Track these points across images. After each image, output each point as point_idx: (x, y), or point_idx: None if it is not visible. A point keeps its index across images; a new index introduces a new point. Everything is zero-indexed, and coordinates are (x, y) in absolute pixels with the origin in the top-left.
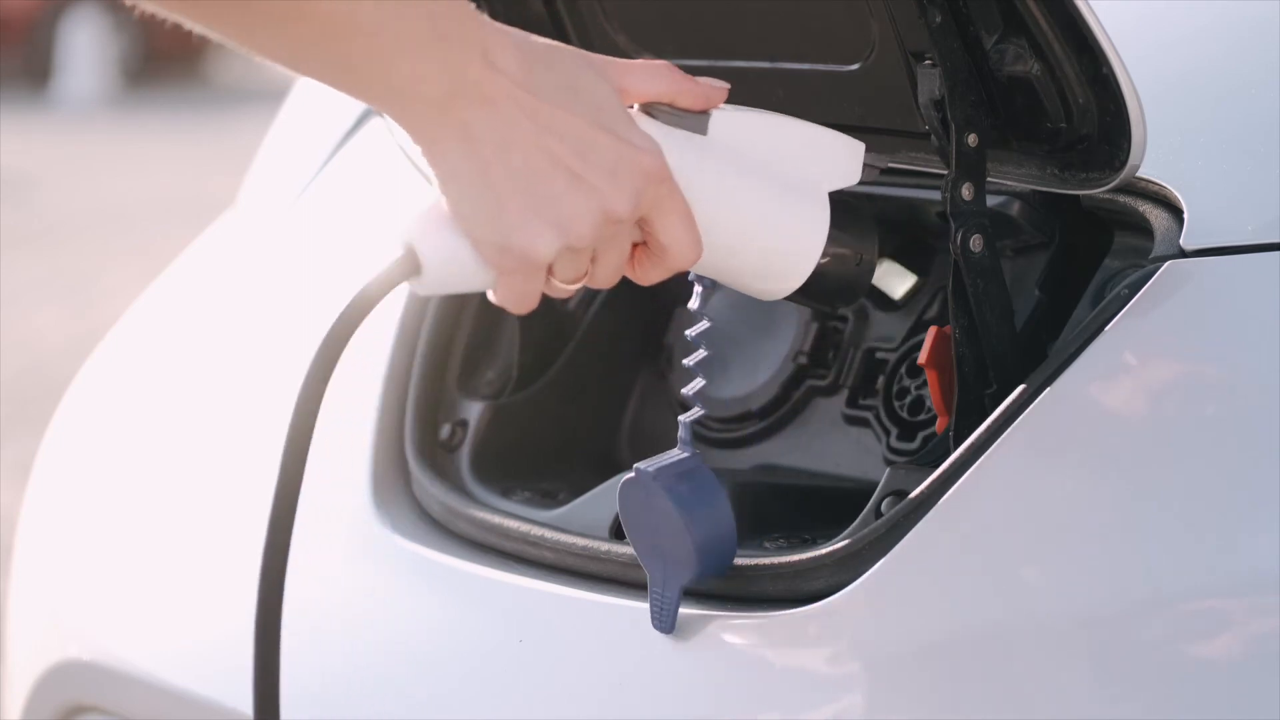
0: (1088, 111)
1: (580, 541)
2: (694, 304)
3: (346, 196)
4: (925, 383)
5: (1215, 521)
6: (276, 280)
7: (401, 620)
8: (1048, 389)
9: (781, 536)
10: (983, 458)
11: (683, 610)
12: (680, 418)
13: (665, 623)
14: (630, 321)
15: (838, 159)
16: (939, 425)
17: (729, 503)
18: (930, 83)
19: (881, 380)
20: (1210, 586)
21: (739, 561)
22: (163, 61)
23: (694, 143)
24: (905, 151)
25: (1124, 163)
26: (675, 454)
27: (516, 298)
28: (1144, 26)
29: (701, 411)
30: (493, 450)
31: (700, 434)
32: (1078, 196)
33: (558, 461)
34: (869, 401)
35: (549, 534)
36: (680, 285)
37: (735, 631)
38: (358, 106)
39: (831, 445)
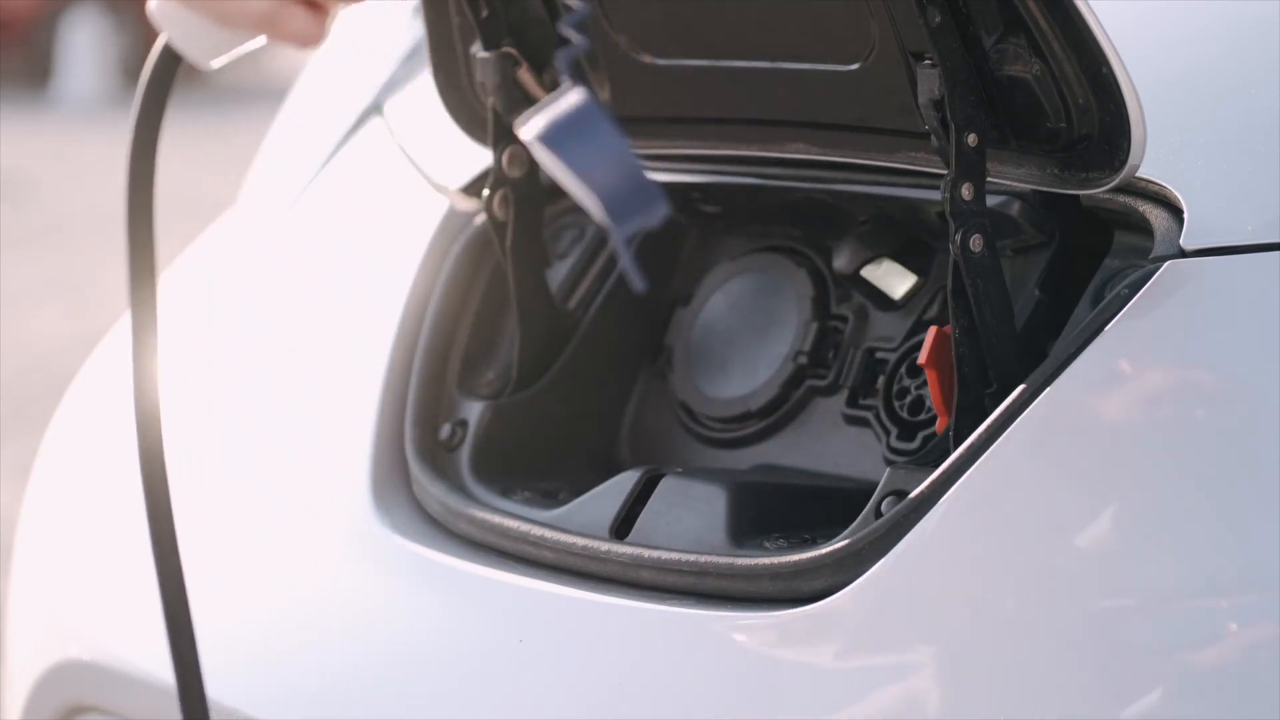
0: (1087, 111)
1: (580, 541)
2: None
3: (346, 196)
4: (925, 383)
5: (1215, 521)
6: (276, 280)
7: (401, 620)
8: (1048, 389)
9: (781, 536)
10: (983, 458)
11: (682, 610)
12: (558, 54)
13: (633, 280)
14: (630, 321)
15: None
16: (939, 425)
17: (610, 131)
18: (930, 83)
19: (881, 380)
20: (1210, 586)
21: (739, 561)
22: None
23: None
24: (905, 151)
25: (1124, 163)
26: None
27: (294, 39)
28: (1144, 26)
29: (585, 45)
30: (493, 450)
31: (700, 434)
32: (1078, 196)
33: (558, 461)
34: (869, 401)
35: (549, 534)
36: (680, 286)
37: (735, 631)
38: (357, 106)
39: (831, 445)
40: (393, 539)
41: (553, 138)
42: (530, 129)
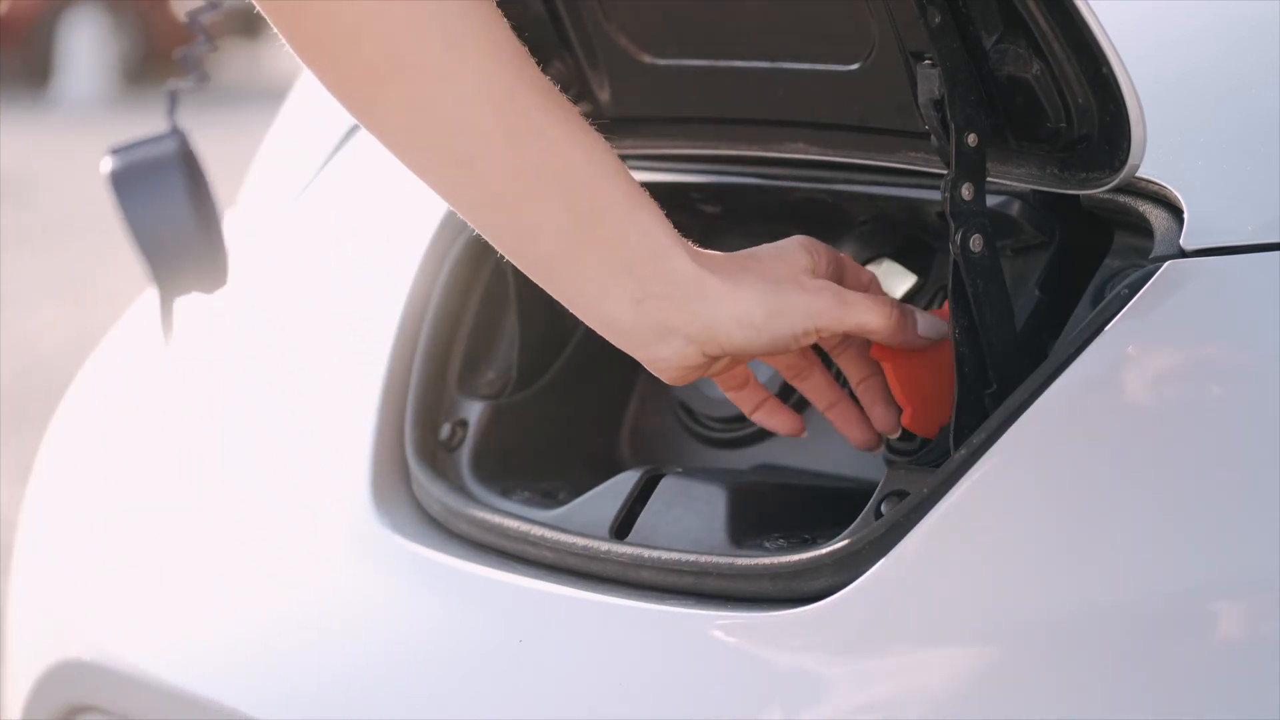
0: (1088, 111)
1: (580, 541)
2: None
3: (346, 196)
4: None
5: (1215, 520)
6: (276, 280)
7: (401, 620)
8: (1048, 389)
9: (781, 536)
10: (983, 458)
11: (682, 610)
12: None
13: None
14: None
15: None
16: (904, 418)
17: (179, 193)
18: (930, 83)
19: None
20: (1210, 586)
21: (739, 561)
22: (163, 61)
23: None
24: (905, 151)
25: (1124, 163)
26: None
27: None
28: (1144, 26)
29: (197, 85)
30: (493, 450)
31: (700, 434)
32: (1078, 196)
33: (558, 461)
34: None
35: (549, 534)
36: None
37: (735, 631)
38: None
39: (831, 445)
40: (393, 539)
41: (120, 183)
42: (107, 163)
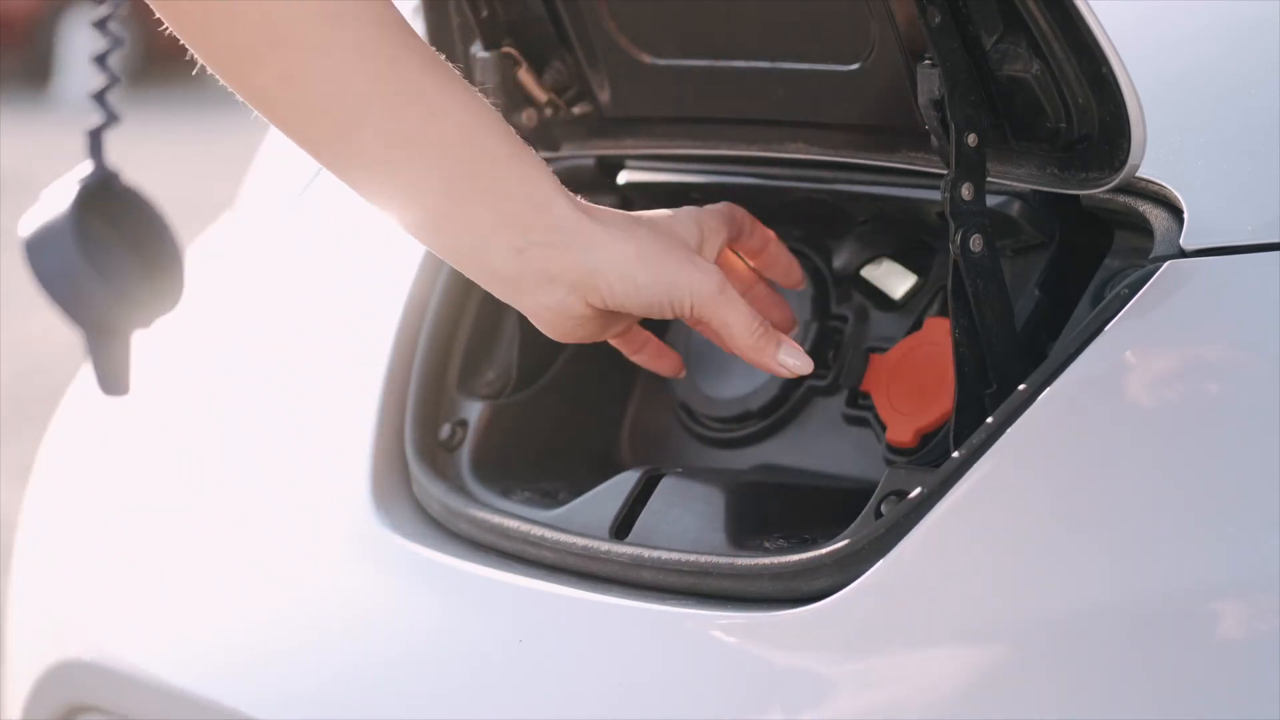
0: (1087, 111)
1: (580, 541)
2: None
3: (347, 196)
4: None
5: (1215, 521)
6: (276, 281)
7: (401, 620)
8: (1048, 389)
9: (781, 536)
10: (982, 458)
11: (683, 610)
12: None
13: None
14: None
15: None
16: (888, 435)
17: (71, 250)
18: (930, 83)
19: None
20: (1210, 586)
21: (739, 561)
22: (163, 61)
23: None
24: (905, 151)
25: (1124, 162)
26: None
27: None
28: (1144, 26)
29: (111, 122)
30: (493, 450)
31: (700, 434)
32: (1078, 196)
33: (558, 461)
34: (869, 401)
35: (549, 534)
36: None
37: (735, 631)
38: None
39: (831, 445)
40: (393, 539)
41: (30, 247)
42: (24, 227)
